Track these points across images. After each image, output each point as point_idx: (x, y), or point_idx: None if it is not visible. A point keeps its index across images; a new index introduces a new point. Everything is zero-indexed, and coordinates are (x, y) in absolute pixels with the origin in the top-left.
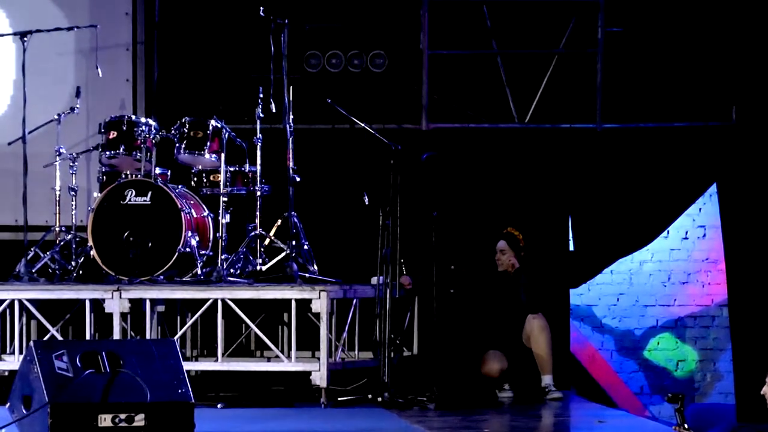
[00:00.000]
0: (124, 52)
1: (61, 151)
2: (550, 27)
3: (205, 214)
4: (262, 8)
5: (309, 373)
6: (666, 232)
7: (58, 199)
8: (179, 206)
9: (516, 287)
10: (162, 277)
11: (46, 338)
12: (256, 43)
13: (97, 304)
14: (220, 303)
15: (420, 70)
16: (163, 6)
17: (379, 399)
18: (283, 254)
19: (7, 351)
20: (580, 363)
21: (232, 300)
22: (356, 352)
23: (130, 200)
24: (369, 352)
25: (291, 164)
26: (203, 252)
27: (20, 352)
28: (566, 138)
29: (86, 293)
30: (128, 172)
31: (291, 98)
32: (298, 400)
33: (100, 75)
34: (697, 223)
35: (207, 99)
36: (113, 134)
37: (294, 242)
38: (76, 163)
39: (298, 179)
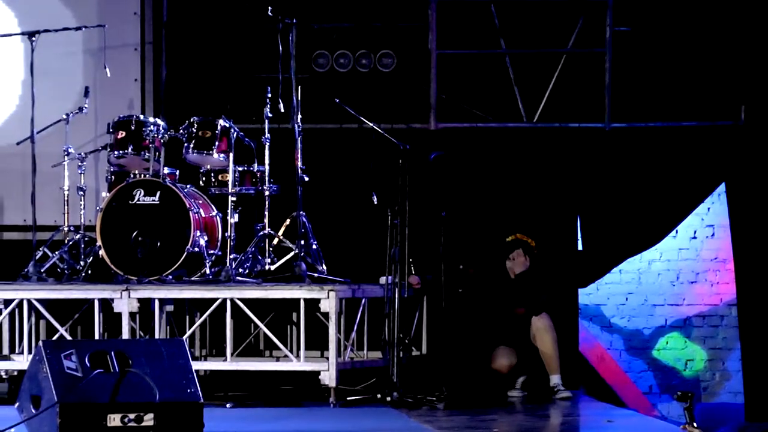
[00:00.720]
0: (133, 51)
1: (69, 150)
2: (558, 26)
3: (214, 213)
4: (270, 8)
5: (318, 372)
6: (675, 231)
7: (66, 198)
8: (188, 206)
9: (522, 288)
10: (171, 276)
11: (55, 338)
12: (265, 42)
13: (106, 304)
14: (228, 303)
15: (428, 70)
16: (171, 6)
17: (388, 399)
18: (292, 254)
19: (16, 351)
20: (588, 363)
21: (241, 300)
22: (365, 351)
23: (138, 200)
24: (378, 352)
25: (299, 164)
26: (212, 252)
27: (29, 352)
28: (575, 137)
29: (95, 293)
30: (137, 172)
31: (299, 98)
32: (307, 400)
33: (109, 75)
34: (706, 223)
35: (215, 99)
36: (121, 134)
37: (302, 242)
38: (84, 163)
39: (306, 179)
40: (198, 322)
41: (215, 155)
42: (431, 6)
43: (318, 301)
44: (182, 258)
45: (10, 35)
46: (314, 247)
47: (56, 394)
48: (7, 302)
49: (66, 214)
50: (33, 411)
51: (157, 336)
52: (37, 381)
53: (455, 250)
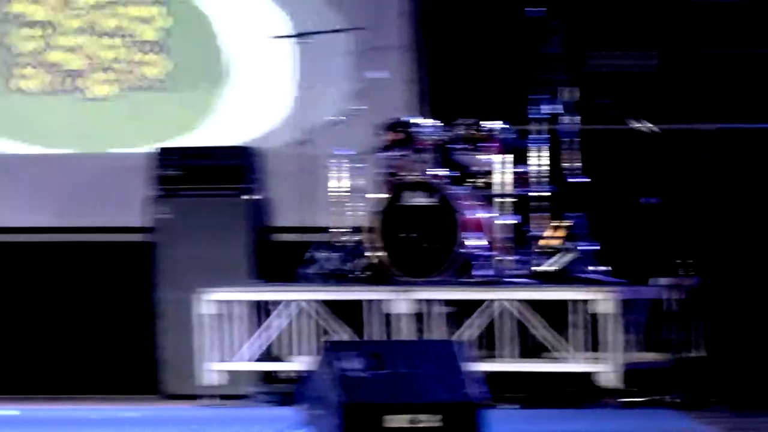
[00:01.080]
0: (399, 52)
1: (341, 152)
2: None
3: (486, 215)
4: (538, 9)
5: (596, 374)
6: None
7: (339, 200)
8: (460, 207)
9: None
10: (444, 277)
11: (335, 339)
12: (533, 42)
13: (383, 305)
14: (503, 304)
15: (693, 71)
16: (438, 5)
17: (670, 400)
18: (567, 255)
19: (297, 353)
20: None
21: (515, 300)
22: (644, 353)
23: (411, 201)
24: (655, 354)
25: (574, 164)
26: (485, 253)
27: (309, 354)
28: None
29: (371, 294)
30: (408, 174)
31: (569, 98)
32: (586, 401)
33: (378, 76)
34: None
35: (485, 99)
36: (393, 135)
37: (578, 243)
38: (356, 165)
39: (582, 180)
40: (473, 324)
41: (487, 156)
42: (694, 6)
43: (594, 302)
44: (455, 259)
45: (281, 37)
46: (590, 248)
47: (339, 395)
48: (281, 303)
49: (339, 216)
50: (316, 412)
51: (434, 337)
52: (320, 382)
53: (734, 250)
